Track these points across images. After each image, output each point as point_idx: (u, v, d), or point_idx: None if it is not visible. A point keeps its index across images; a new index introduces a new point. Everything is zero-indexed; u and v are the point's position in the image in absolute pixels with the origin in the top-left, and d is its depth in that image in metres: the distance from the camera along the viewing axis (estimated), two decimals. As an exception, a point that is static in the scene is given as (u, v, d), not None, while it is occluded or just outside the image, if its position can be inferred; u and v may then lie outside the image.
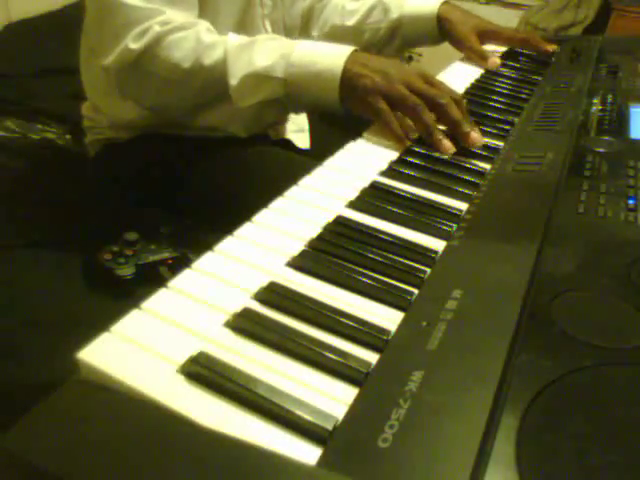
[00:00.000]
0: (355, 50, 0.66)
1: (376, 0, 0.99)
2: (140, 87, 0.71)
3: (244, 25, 0.81)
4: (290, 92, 0.67)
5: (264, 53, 0.66)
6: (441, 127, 0.63)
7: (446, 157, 0.60)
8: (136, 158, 0.82)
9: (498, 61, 0.95)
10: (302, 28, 1.00)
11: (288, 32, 0.93)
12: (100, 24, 0.70)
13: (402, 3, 0.99)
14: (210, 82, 0.67)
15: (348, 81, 0.64)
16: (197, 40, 0.66)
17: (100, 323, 0.33)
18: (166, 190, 0.81)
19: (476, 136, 0.62)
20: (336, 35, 1.02)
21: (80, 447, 0.26)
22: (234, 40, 0.67)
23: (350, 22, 1.00)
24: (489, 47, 0.98)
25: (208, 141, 0.78)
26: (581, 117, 0.71)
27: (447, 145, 0.61)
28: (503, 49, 1.03)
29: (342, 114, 0.68)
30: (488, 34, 0.98)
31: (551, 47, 0.99)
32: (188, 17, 0.70)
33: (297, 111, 0.78)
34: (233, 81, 0.66)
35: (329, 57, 0.65)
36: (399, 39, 1.01)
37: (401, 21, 0.99)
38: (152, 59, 0.66)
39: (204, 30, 0.68)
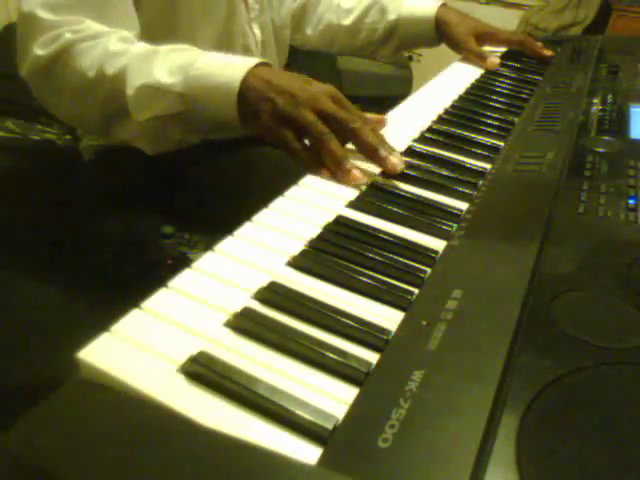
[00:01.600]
0: (262, 63, 0.60)
1: (372, 0, 0.99)
2: (52, 97, 0.69)
3: (230, 33, 0.80)
4: (189, 107, 0.62)
5: (165, 65, 0.61)
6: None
7: (446, 157, 0.60)
8: (132, 161, 0.82)
9: (497, 61, 0.95)
10: (295, 27, 1.00)
11: (278, 32, 0.93)
12: (18, 36, 0.67)
13: (400, 4, 0.99)
14: (112, 93, 0.63)
15: (249, 101, 0.58)
16: (104, 49, 0.63)
17: (100, 323, 0.33)
18: (165, 191, 0.81)
19: (395, 159, 0.55)
20: (331, 34, 1.02)
21: (80, 447, 0.26)
22: (138, 49, 0.63)
23: (346, 21, 1.00)
24: (488, 48, 0.98)
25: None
26: (581, 117, 0.71)
27: (357, 176, 0.53)
28: (503, 49, 1.03)
29: (250, 133, 0.62)
30: (485, 36, 0.98)
31: (547, 52, 0.99)
32: (104, 27, 0.66)
33: (202, 128, 0.72)
34: (130, 91, 0.61)
35: (229, 69, 0.59)
36: (396, 40, 1.01)
37: (399, 23, 0.99)
38: (62, 67, 0.63)
39: (115, 38, 0.64)
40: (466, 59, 0.97)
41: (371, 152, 0.55)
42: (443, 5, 0.97)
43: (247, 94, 0.58)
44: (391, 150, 0.55)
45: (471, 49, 0.95)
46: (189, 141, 0.79)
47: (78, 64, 0.63)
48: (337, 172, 0.54)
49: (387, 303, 0.38)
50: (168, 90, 0.61)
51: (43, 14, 0.62)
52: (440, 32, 0.97)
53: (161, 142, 0.72)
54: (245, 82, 0.58)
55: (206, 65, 0.60)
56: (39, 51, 0.63)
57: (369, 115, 0.61)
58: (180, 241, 0.74)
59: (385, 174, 0.56)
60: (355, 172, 0.53)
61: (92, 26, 0.64)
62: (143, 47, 0.63)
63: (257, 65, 0.59)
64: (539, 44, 1.00)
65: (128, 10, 0.69)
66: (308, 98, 0.56)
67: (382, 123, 0.63)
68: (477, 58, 0.95)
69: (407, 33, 0.99)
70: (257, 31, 0.86)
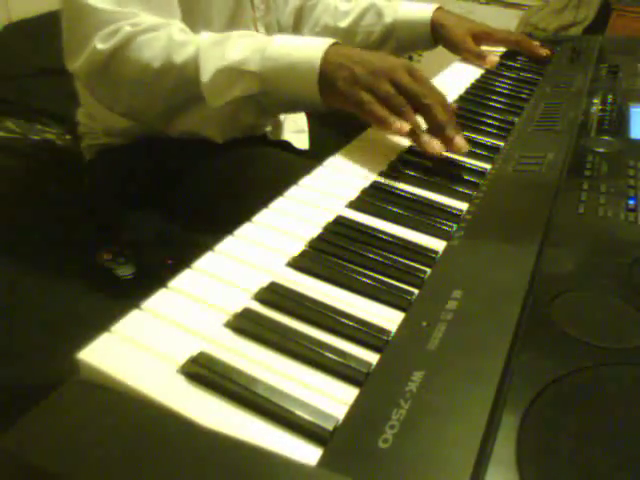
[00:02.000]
0: (336, 42, 0.62)
1: (369, 3, 0.99)
2: (111, 91, 0.68)
3: (234, 30, 0.80)
4: (266, 88, 0.63)
5: (238, 47, 0.62)
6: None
7: (446, 157, 0.60)
8: (133, 161, 0.82)
9: (496, 59, 0.95)
10: (293, 28, 1.00)
11: (282, 33, 0.93)
12: (71, 27, 0.67)
13: (396, 8, 0.99)
14: (182, 82, 0.64)
15: (328, 73, 0.59)
16: (168, 39, 0.63)
17: (100, 323, 0.33)
18: (165, 191, 0.81)
19: (460, 141, 0.58)
20: (328, 36, 1.01)
21: (80, 447, 0.26)
22: (207, 37, 0.64)
23: (343, 24, 1.00)
24: (487, 48, 0.99)
25: (206, 142, 0.78)
26: (581, 117, 0.71)
27: (435, 145, 0.57)
28: (503, 49, 1.03)
29: (322, 110, 0.64)
30: (482, 36, 0.98)
31: (544, 51, 0.99)
32: (160, 19, 0.67)
33: (275, 110, 0.73)
34: (205, 77, 0.62)
35: (307, 49, 0.61)
36: (392, 43, 1.01)
37: (395, 26, 0.99)
38: (122, 61, 0.63)
39: (176, 30, 0.65)
40: (465, 60, 0.98)
41: (439, 129, 0.58)
42: (439, 9, 0.98)
43: (327, 67, 0.60)
44: (457, 131, 0.58)
45: (470, 49, 0.95)
46: (261, 126, 0.80)
47: (141, 56, 0.63)
48: (414, 141, 0.58)
49: (387, 303, 0.38)
50: (245, 71, 0.62)
51: (102, 4, 0.63)
52: (436, 35, 0.97)
53: (233, 128, 0.71)
54: (325, 58, 0.60)
55: (281, 45, 0.62)
56: (100, 45, 0.62)
57: None
58: (144, 249, 0.74)
59: (385, 174, 0.56)
60: (433, 142, 0.57)
61: (148, 18, 0.65)
62: (211, 34, 0.64)
63: (333, 44, 0.62)
64: (536, 43, 1.00)
65: None
66: (385, 69, 0.59)
67: (447, 106, 0.63)
68: (476, 58, 0.95)
69: (403, 36, 0.99)
70: (262, 31, 0.86)
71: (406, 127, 0.57)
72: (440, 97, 0.60)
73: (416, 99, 0.58)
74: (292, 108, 0.72)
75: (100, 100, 0.71)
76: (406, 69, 0.60)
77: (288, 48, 0.61)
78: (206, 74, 0.62)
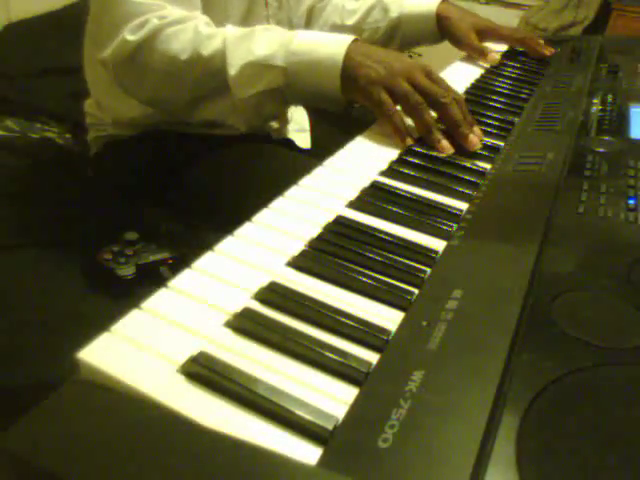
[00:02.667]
0: (356, 39, 0.65)
1: (375, 0, 1.00)
2: (137, 80, 0.71)
3: (248, 25, 0.80)
4: (290, 81, 0.66)
5: (264, 42, 0.65)
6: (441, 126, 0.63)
7: (446, 157, 0.60)
8: (137, 155, 0.82)
9: (497, 57, 0.95)
10: (304, 27, 1.01)
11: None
12: (100, 18, 0.70)
13: (401, 3, 0.99)
14: (208, 73, 0.66)
15: (350, 70, 0.63)
16: (195, 32, 0.66)
17: (100, 323, 0.33)
18: (166, 189, 0.81)
19: (474, 139, 0.62)
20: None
21: (80, 447, 0.26)
22: (233, 31, 0.67)
23: (350, 21, 1.00)
24: (489, 46, 0.98)
25: (210, 140, 0.78)
26: (581, 117, 0.71)
27: (446, 145, 0.61)
28: (503, 48, 1.03)
29: (342, 106, 0.67)
30: (486, 32, 0.99)
31: (548, 50, 0.99)
32: (185, 12, 0.69)
33: (297, 103, 0.76)
34: (232, 70, 0.65)
35: (330, 45, 0.65)
36: (398, 38, 1.01)
37: (400, 20, 0.99)
38: (150, 52, 0.66)
39: (202, 23, 0.67)
40: (467, 56, 0.98)
41: (455, 127, 0.62)
42: (444, 1, 0.98)
43: (349, 63, 0.63)
44: (472, 129, 0.63)
45: (472, 45, 0.95)
46: (283, 115, 0.83)
47: (168, 48, 0.65)
48: (427, 138, 0.62)
49: (387, 303, 0.38)
50: (271, 65, 0.65)
51: None
52: (442, 28, 0.97)
53: (256, 118, 0.74)
54: (347, 55, 0.63)
55: (305, 40, 0.65)
56: (130, 36, 0.65)
57: None
58: (145, 249, 0.74)
59: (385, 174, 0.56)
60: (444, 142, 0.61)
61: (175, 11, 0.68)
62: (236, 28, 0.67)
63: (354, 40, 0.65)
64: (541, 41, 1.00)
65: None
66: (404, 69, 0.63)
67: (462, 104, 0.66)
68: (478, 54, 0.95)
69: (409, 30, 0.99)
70: None
71: (409, 141, 0.62)
72: (457, 96, 0.64)
73: (432, 98, 0.62)
74: (314, 101, 0.74)
75: (126, 88, 0.73)
76: (423, 70, 0.64)
77: (312, 44, 0.65)
78: (233, 67, 0.65)
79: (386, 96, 0.62)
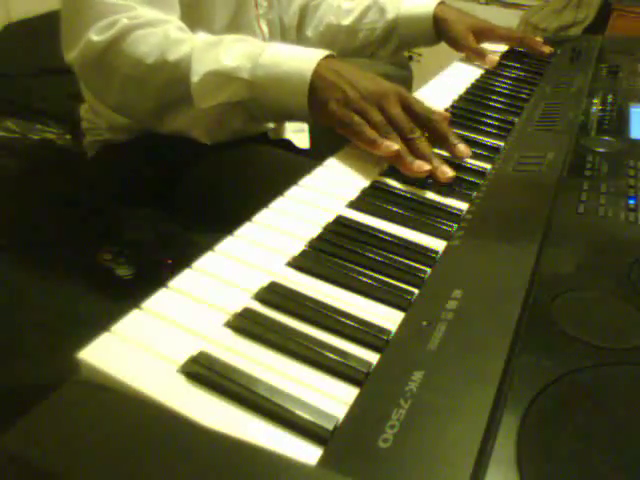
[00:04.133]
0: (330, 55, 0.62)
1: (371, 0, 1.00)
2: (103, 83, 0.68)
3: (237, 26, 0.80)
4: (256, 96, 0.63)
5: (231, 53, 0.62)
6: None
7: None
8: (135, 159, 0.82)
9: (496, 58, 0.95)
10: (297, 27, 1.00)
11: (286, 32, 0.93)
12: (68, 18, 0.67)
13: (398, 4, 0.99)
14: (173, 80, 0.63)
15: (318, 90, 0.59)
16: (164, 36, 0.63)
17: (100, 323, 0.33)
18: (166, 190, 0.81)
19: (446, 170, 0.55)
20: (331, 34, 1.02)
21: (80, 447, 0.26)
22: (202, 38, 0.64)
23: (346, 21, 1.00)
24: (488, 47, 0.98)
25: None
26: (581, 117, 0.71)
27: (421, 164, 0.55)
28: (503, 49, 1.03)
29: (309, 122, 0.64)
30: (484, 33, 0.98)
31: (547, 49, 0.99)
32: (160, 14, 0.67)
33: (264, 118, 0.72)
34: (195, 78, 0.62)
35: (300, 60, 0.61)
36: (395, 40, 1.01)
37: (397, 22, 0.99)
38: (116, 54, 0.63)
39: (174, 27, 0.65)
40: (466, 57, 0.97)
41: (425, 161, 0.55)
42: (441, 3, 0.97)
43: (318, 83, 0.59)
44: (442, 162, 0.56)
45: (470, 46, 0.95)
46: (249, 131, 0.80)
47: (135, 50, 0.62)
48: (400, 166, 0.55)
49: (387, 303, 0.38)
50: (236, 77, 0.61)
51: None
52: (439, 30, 0.97)
53: (220, 131, 0.71)
54: (317, 72, 0.59)
55: (275, 54, 0.61)
56: (95, 37, 0.62)
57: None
58: (144, 249, 0.74)
59: (385, 174, 0.56)
60: (418, 161, 0.55)
61: (147, 13, 0.65)
62: (206, 36, 0.64)
63: (326, 57, 0.61)
64: (539, 40, 1.00)
65: None
66: (377, 94, 0.58)
67: (447, 119, 0.63)
68: (476, 55, 0.95)
69: (406, 32, 0.99)
70: (264, 28, 0.86)
71: (394, 146, 0.55)
72: (434, 115, 0.59)
73: (402, 132, 0.57)
74: (281, 117, 0.72)
75: (92, 92, 0.71)
76: (398, 96, 0.59)
77: (281, 58, 0.61)
78: (196, 75, 0.62)
79: (357, 117, 0.57)
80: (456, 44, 0.97)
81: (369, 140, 0.56)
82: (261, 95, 0.62)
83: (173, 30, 0.64)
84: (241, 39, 0.64)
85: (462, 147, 0.59)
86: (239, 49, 0.62)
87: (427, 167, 0.55)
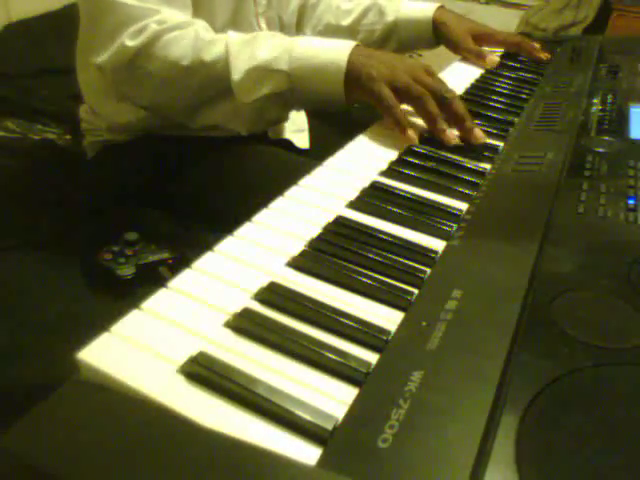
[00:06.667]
0: (358, 44, 0.67)
1: (371, 2, 1.00)
2: (136, 86, 0.70)
3: (237, 24, 0.80)
4: (294, 86, 0.66)
5: (267, 47, 0.66)
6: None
7: (446, 157, 0.60)
8: (135, 159, 0.82)
9: (496, 59, 0.95)
10: (296, 26, 1.00)
11: (284, 30, 0.93)
12: (95, 23, 0.69)
13: (398, 7, 0.99)
14: (211, 79, 0.67)
15: (353, 72, 0.64)
16: (196, 37, 0.66)
17: (100, 323, 0.33)
18: (166, 190, 0.81)
19: (479, 132, 0.63)
20: (330, 34, 1.02)
21: (80, 447, 0.26)
22: (235, 36, 0.67)
23: (345, 22, 1.00)
24: (487, 49, 0.98)
25: (207, 141, 0.78)
26: (581, 117, 0.71)
27: (451, 135, 0.62)
28: (501, 50, 1.03)
29: (344, 109, 0.68)
30: (483, 37, 0.99)
31: (544, 55, 0.99)
32: (183, 17, 0.70)
33: (299, 107, 0.77)
34: (236, 76, 0.65)
35: (333, 50, 0.66)
36: (394, 42, 1.01)
37: (397, 24, 0.99)
38: (149, 57, 0.66)
39: (202, 28, 0.68)
40: (465, 59, 0.97)
41: (460, 121, 0.63)
42: (440, 7, 0.98)
43: (351, 67, 0.65)
44: (475, 124, 0.63)
45: (470, 49, 0.95)
46: (283, 120, 0.84)
47: (168, 54, 0.66)
48: (433, 129, 0.63)
49: (387, 303, 0.38)
50: (275, 69, 0.66)
51: (130, 1, 0.65)
52: (438, 33, 0.97)
53: (258, 122, 0.74)
54: (350, 61, 0.65)
55: (308, 46, 0.66)
56: (129, 42, 0.65)
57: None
58: (144, 249, 0.74)
59: (385, 174, 0.56)
60: (449, 132, 0.62)
61: (173, 16, 0.68)
62: (239, 34, 0.68)
63: (356, 45, 0.66)
64: (537, 45, 1.00)
65: None
66: (406, 67, 0.65)
67: (463, 102, 0.66)
68: (476, 57, 0.95)
69: (405, 35, 0.99)
70: (264, 26, 0.86)
71: (414, 138, 0.62)
72: (456, 94, 0.65)
73: (436, 93, 0.63)
74: (316, 104, 0.75)
75: (124, 94, 0.73)
76: (424, 69, 0.65)
77: (315, 49, 0.66)
78: (237, 73, 0.65)
79: (387, 90, 0.63)
80: (456, 47, 0.97)
81: (396, 120, 0.63)
82: (299, 85, 0.67)
83: (202, 31, 0.67)
84: (273, 35, 0.69)
85: (478, 131, 0.63)
86: (274, 43, 0.66)
87: (456, 140, 0.62)
